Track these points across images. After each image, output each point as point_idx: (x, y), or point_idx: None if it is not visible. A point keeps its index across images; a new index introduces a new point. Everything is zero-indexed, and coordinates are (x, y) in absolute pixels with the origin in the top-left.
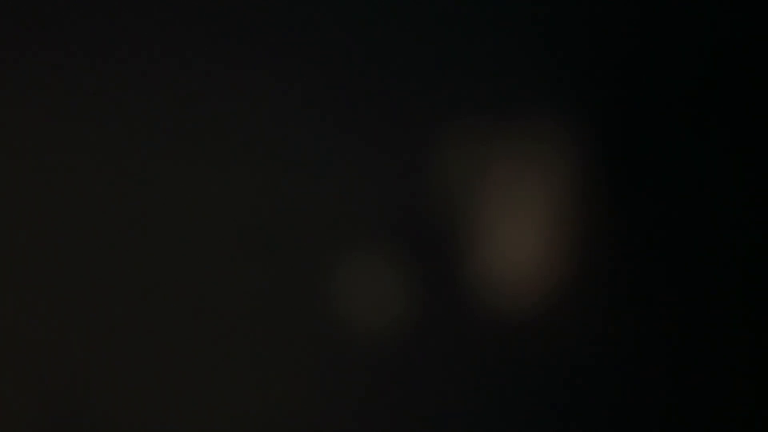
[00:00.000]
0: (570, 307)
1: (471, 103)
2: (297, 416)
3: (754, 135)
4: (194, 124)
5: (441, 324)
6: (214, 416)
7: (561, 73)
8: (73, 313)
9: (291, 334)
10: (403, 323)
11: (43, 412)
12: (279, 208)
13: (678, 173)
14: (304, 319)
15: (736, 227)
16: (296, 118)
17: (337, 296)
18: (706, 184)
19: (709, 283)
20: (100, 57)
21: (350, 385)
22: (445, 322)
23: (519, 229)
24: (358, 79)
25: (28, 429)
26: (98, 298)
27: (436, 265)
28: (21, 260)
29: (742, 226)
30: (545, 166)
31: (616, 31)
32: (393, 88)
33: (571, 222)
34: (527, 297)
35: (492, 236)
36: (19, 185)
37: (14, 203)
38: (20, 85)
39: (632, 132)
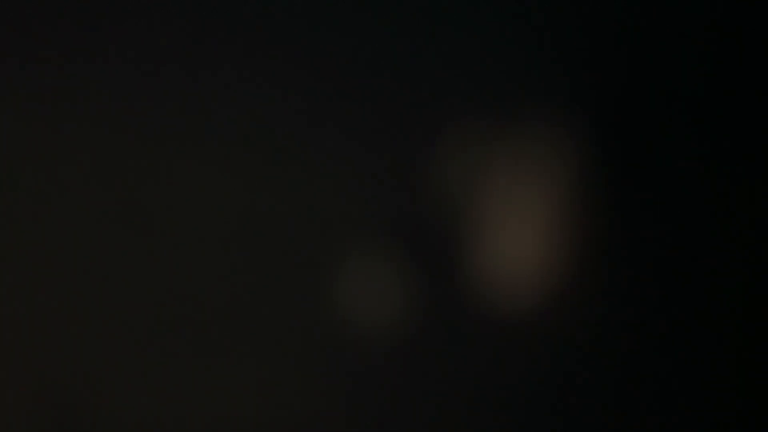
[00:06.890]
0: (569, 306)
1: (470, 103)
2: (296, 416)
3: (754, 135)
4: (193, 125)
5: (440, 323)
6: (213, 416)
7: (560, 73)
8: (73, 312)
9: (290, 333)
10: (402, 323)
11: (43, 412)
12: (279, 208)
13: (677, 174)
14: (304, 319)
15: (736, 227)
16: (295, 118)
17: (337, 296)
18: (706, 184)
19: (709, 283)
20: (100, 57)
21: (349, 384)
22: (445, 322)
23: (518, 229)
24: (358, 80)
25: (28, 429)
26: (97, 298)
27: (435, 265)
28: (21, 260)
29: (742, 226)
30: (545, 166)
31: (616, 32)
32: (393, 88)
33: (571, 222)
34: (526, 297)
35: (491, 236)
36: (19, 185)
37: (14, 203)
38: (20, 86)
39: (632, 133)
